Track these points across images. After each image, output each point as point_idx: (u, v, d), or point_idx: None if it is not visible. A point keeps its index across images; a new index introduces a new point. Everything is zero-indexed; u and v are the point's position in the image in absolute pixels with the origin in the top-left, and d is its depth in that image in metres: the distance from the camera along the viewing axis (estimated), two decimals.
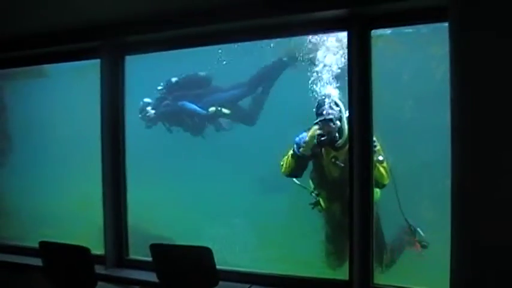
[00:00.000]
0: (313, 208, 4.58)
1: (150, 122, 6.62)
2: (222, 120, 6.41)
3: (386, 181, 4.07)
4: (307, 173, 4.59)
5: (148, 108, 6.59)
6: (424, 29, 3.29)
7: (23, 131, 6.88)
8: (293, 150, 4.29)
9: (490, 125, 2.12)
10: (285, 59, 6.01)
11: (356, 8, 3.22)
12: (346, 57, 3.38)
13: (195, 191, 7.85)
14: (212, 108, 6.31)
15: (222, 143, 6.74)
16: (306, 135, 4.23)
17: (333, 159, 4.35)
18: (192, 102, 6.48)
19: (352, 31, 3.33)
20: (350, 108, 3.37)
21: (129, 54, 4.24)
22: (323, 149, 4.37)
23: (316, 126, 4.22)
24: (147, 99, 6.64)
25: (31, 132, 7.05)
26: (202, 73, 6.67)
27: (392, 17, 3.25)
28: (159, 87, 6.69)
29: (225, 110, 6.32)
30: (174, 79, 6.65)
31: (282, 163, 4.41)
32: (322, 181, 4.53)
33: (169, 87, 6.68)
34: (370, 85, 3.35)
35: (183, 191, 8.00)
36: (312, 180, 4.63)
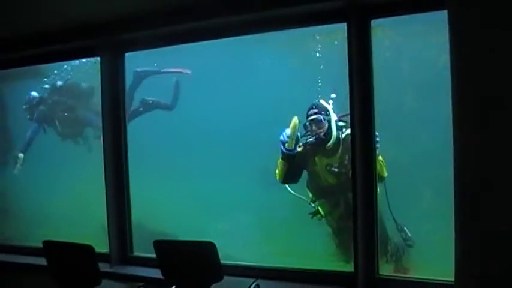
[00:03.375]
0: (312, 217, 4.60)
1: (32, 116, 6.79)
2: None
3: (385, 174, 4.07)
4: (303, 183, 4.60)
5: (34, 102, 6.80)
6: (424, 17, 3.25)
7: (24, 130, 6.88)
8: (281, 152, 4.30)
9: (493, 113, 2.10)
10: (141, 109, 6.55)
11: None
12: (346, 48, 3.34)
13: (198, 187, 7.85)
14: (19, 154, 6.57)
15: None
16: (288, 130, 4.23)
17: (328, 167, 4.39)
18: (65, 112, 6.77)
19: (351, 22, 3.30)
20: (351, 101, 3.32)
21: (128, 52, 4.23)
22: (316, 157, 4.40)
23: (296, 118, 4.24)
24: (34, 93, 6.79)
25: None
26: (84, 84, 6.84)
27: (391, 5, 3.22)
28: (46, 86, 6.83)
29: (20, 163, 6.54)
30: (59, 82, 6.75)
31: (276, 170, 4.42)
32: (319, 189, 4.56)
33: (53, 90, 6.80)
34: (371, 77, 3.32)
35: (186, 187, 8.00)
36: (309, 190, 4.64)
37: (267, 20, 3.59)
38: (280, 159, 4.34)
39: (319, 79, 5.10)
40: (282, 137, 4.24)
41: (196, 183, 7.90)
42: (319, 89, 4.90)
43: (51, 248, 3.50)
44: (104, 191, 4.12)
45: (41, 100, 6.77)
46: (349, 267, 3.46)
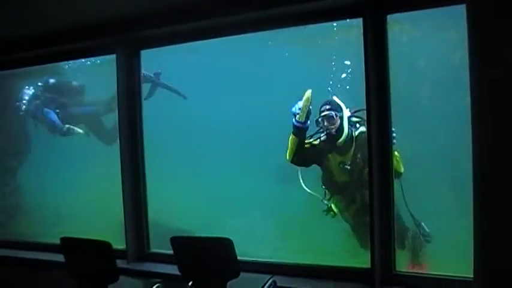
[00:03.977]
0: (326, 215, 4.61)
1: (24, 112, 6.92)
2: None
3: (402, 170, 4.04)
4: (318, 181, 4.59)
5: (26, 98, 6.90)
6: (441, 12, 3.21)
7: (40, 129, 6.95)
8: (292, 125, 4.26)
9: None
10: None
11: None
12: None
13: (214, 184, 7.87)
14: (67, 126, 6.62)
15: None
16: (300, 102, 4.19)
17: (341, 165, 4.38)
18: (57, 109, 6.79)
19: (367, 17, 3.27)
20: (367, 97, 3.29)
21: (144, 49, 4.25)
22: (329, 155, 4.41)
23: (310, 91, 4.20)
24: (27, 90, 6.88)
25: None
26: (75, 82, 7.05)
27: (407, 0, 3.19)
28: (39, 83, 6.93)
29: (78, 130, 6.70)
30: (52, 80, 6.86)
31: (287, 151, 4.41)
32: (333, 185, 4.56)
33: (46, 87, 6.90)
34: (387, 73, 3.30)
35: (202, 184, 8.02)
36: (324, 187, 4.64)
37: (285, 16, 3.57)
38: (292, 135, 4.32)
39: (332, 76, 5.08)
40: (294, 109, 4.21)
41: (212, 179, 7.92)
42: (330, 82, 4.90)
43: (68, 244, 3.52)
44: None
45: (36, 97, 6.89)
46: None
